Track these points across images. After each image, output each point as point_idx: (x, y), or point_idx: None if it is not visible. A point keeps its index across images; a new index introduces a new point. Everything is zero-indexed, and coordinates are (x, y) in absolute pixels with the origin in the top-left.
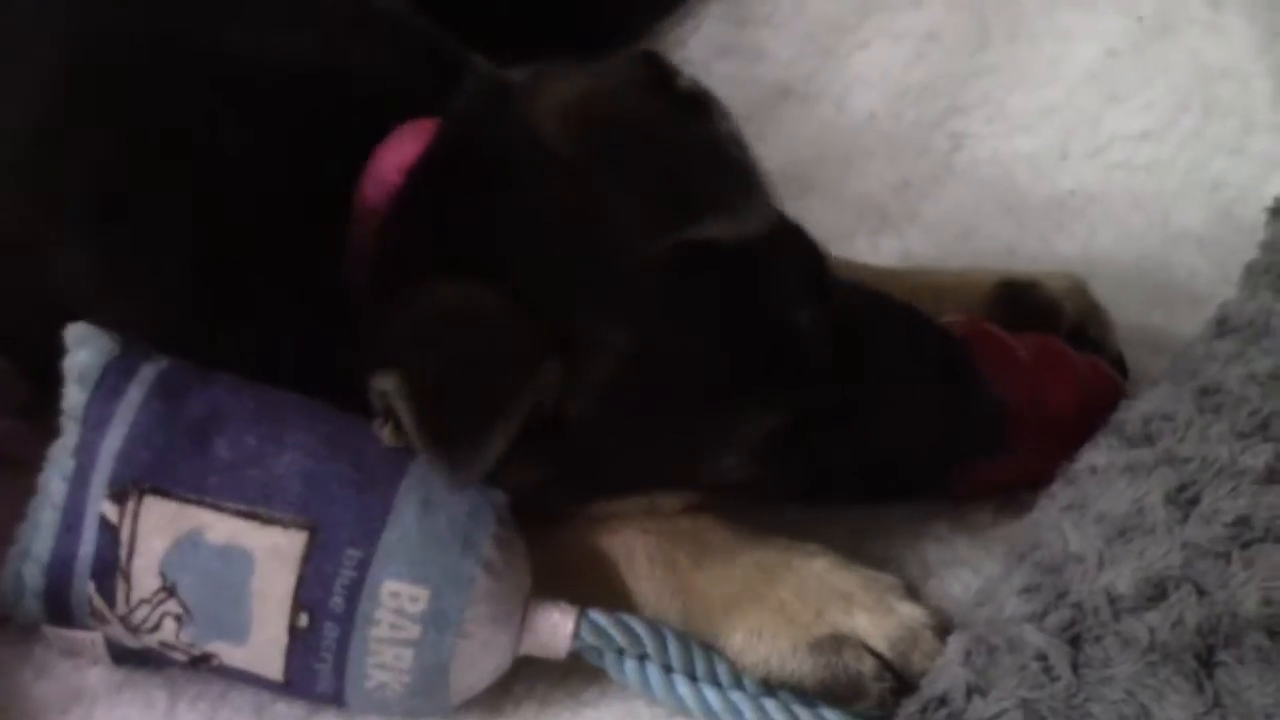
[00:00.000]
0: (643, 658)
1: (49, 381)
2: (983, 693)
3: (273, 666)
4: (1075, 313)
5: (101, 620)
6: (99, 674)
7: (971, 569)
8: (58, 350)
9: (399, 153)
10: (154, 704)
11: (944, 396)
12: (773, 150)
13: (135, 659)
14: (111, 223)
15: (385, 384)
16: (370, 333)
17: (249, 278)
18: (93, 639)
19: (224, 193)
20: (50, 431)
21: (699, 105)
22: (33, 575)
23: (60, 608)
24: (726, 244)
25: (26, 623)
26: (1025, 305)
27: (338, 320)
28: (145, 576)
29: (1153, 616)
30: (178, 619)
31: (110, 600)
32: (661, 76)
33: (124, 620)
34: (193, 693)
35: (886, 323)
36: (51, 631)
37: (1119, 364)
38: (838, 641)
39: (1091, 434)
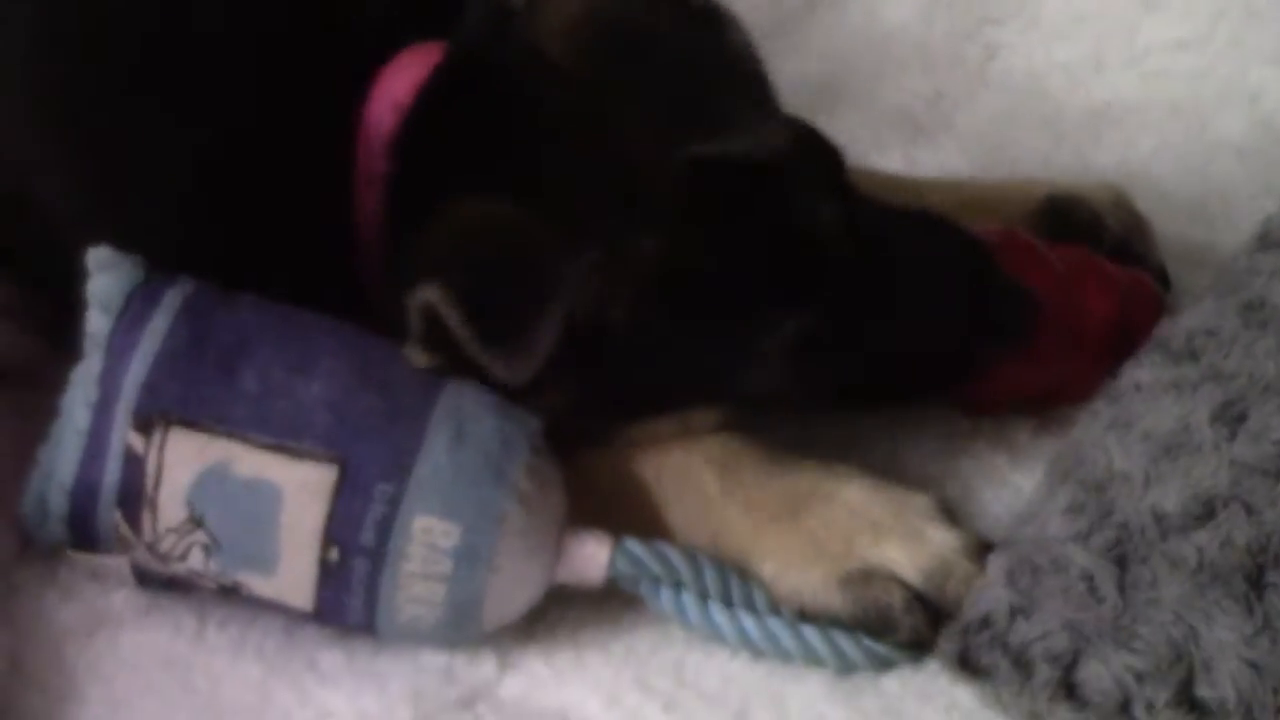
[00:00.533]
0: (678, 585)
1: (68, 301)
2: (1026, 614)
3: (302, 598)
4: (1119, 227)
5: (127, 547)
6: (125, 597)
7: (1013, 488)
8: (73, 277)
9: (406, 76)
10: (182, 628)
11: (967, 286)
12: (804, 61)
13: (162, 583)
14: (115, 131)
15: (429, 294)
16: (396, 251)
17: (255, 195)
18: (118, 563)
19: (227, 108)
20: (66, 357)
21: (710, 17)
22: (57, 499)
23: (85, 533)
24: (741, 158)
25: (51, 545)
26: (1069, 220)
27: (346, 241)
28: (172, 507)
29: (1200, 536)
30: (205, 549)
31: (136, 528)
32: None
33: (151, 548)
34: (221, 615)
35: (906, 224)
36: (77, 555)
37: (1162, 277)
38: (867, 575)
39: (1133, 350)
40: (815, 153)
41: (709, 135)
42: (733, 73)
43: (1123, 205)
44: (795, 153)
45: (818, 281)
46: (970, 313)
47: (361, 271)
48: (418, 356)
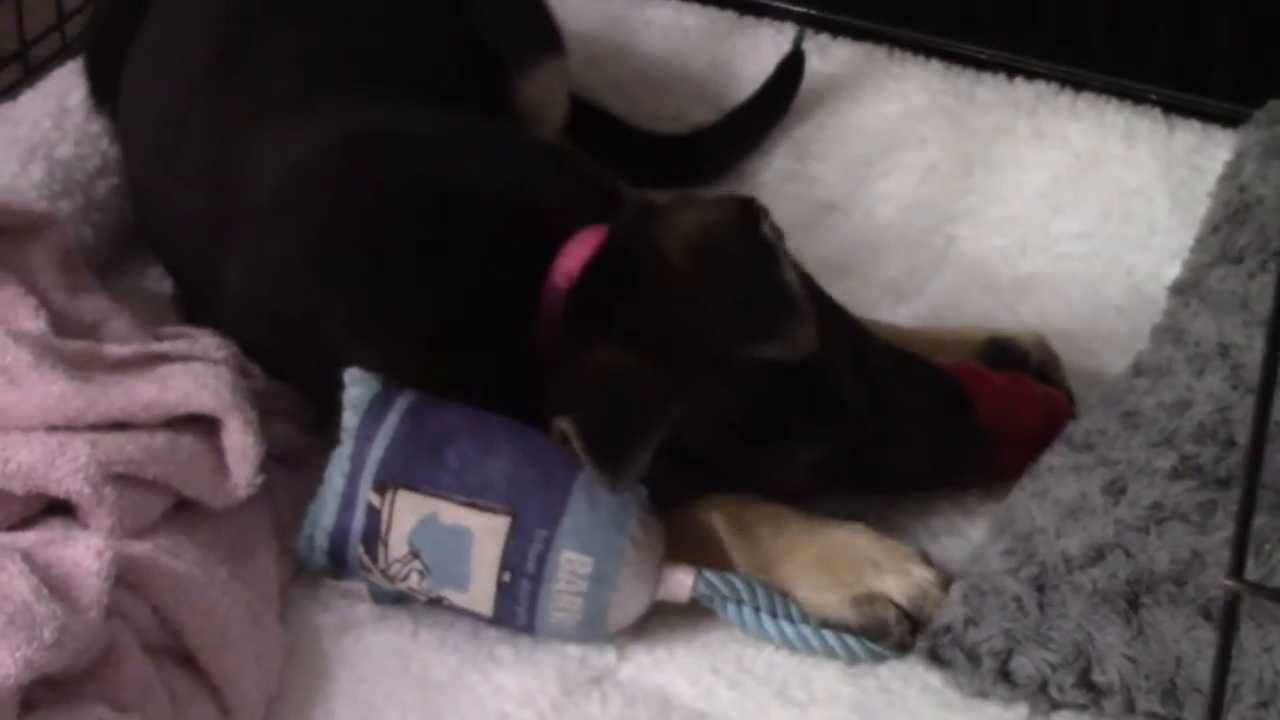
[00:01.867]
0: (740, 602)
1: (326, 408)
2: (975, 624)
3: (485, 607)
4: (1039, 359)
5: (367, 571)
6: (365, 608)
7: (965, 537)
8: (333, 387)
9: (576, 253)
10: (402, 630)
11: (946, 428)
12: (823, 246)
13: (389, 598)
14: (375, 295)
15: (563, 424)
16: (554, 380)
17: (471, 339)
18: (359, 586)
19: (454, 282)
20: (326, 442)
21: (773, 251)
22: (320, 539)
23: (339, 561)
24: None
25: (315, 572)
26: (1004, 354)
27: (530, 370)
28: (398, 544)
29: (1095, 571)
30: (420, 573)
31: (374, 558)
32: (753, 220)
33: (384, 572)
34: (429, 621)
35: (906, 373)
36: (332, 582)
37: (1069, 396)
38: (871, 597)
39: (1049, 444)
40: (842, 329)
41: (760, 343)
42: (784, 298)
43: (1041, 345)
44: (825, 340)
45: (839, 424)
46: (947, 454)
47: (539, 386)
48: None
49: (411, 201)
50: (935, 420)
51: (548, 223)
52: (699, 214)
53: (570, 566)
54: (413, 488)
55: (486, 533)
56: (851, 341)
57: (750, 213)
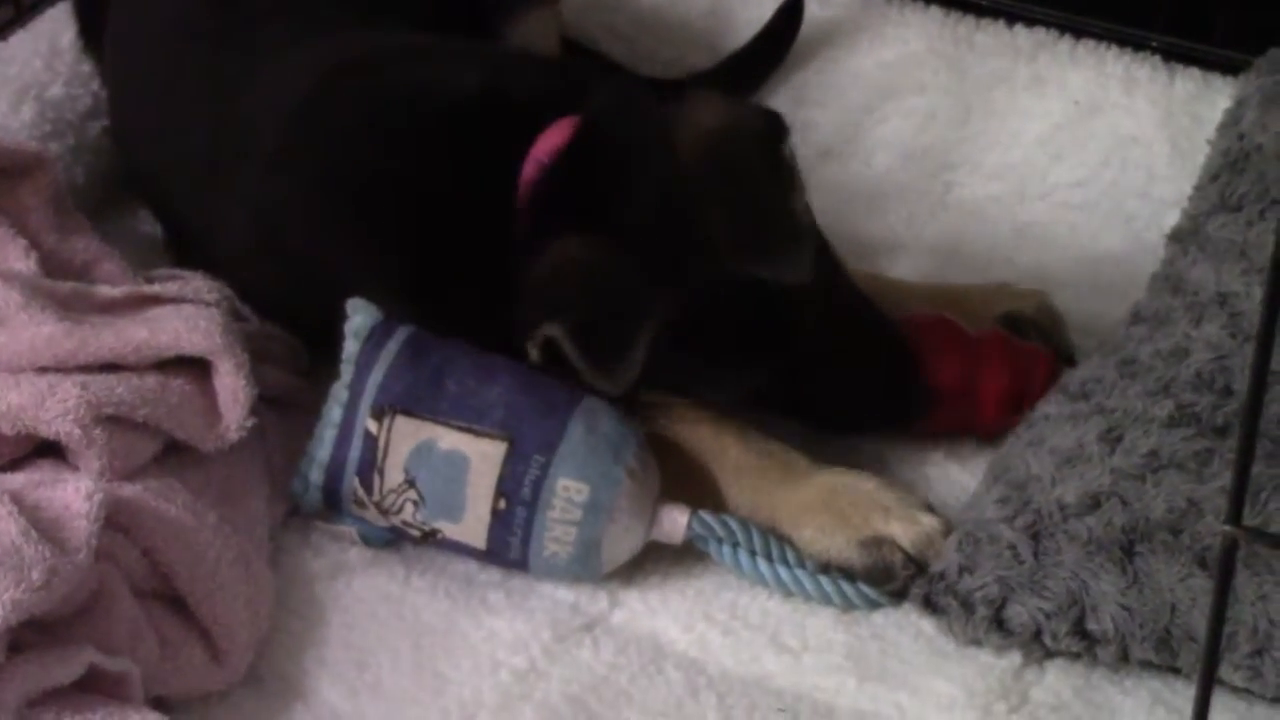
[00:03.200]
0: (735, 544)
1: (322, 350)
2: (970, 571)
3: (479, 539)
4: (1044, 325)
5: (361, 506)
6: (356, 553)
7: (961, 486)
8: (334, 324)
9: (549, 141)
10: (394, 575)
11: (884, 380)
12: (821, 194)
13: (381, 540)
14: (364, 222)
15: (552, 330)
16: (525, 277)
17: (464, 256)
18: (350, 530)
19: (440, 200)
20: (319, 386)
21: (790, 172)
22: (315, 474)
23: (333, 497)
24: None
25: (309, 513)
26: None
27: (510, 272)
28: (394, 472)
29: (1090, 520)
30: (415, 503)
31: (369, 490)
32: (777, 135)
33: (378, 505)
34: (422, 565)
35: (858, 320)
36: (323, 526)
37: (1069, 353)
38: (878, 541)
39: (1032, 398)
40: (822, 271)
41: (756, 263)
42: (789, 224)
43: (1043, 308)
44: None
45: (790, 344)
46: (884, 397)
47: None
48: (533, 355)
49: (396, 127)
50: (872, 371)
51: (521, 118)
52: (720, 114)
53: (566, 494)
54: (410, 413)
55: (483, 459)
56: (825, 277)
57: (775, 126)
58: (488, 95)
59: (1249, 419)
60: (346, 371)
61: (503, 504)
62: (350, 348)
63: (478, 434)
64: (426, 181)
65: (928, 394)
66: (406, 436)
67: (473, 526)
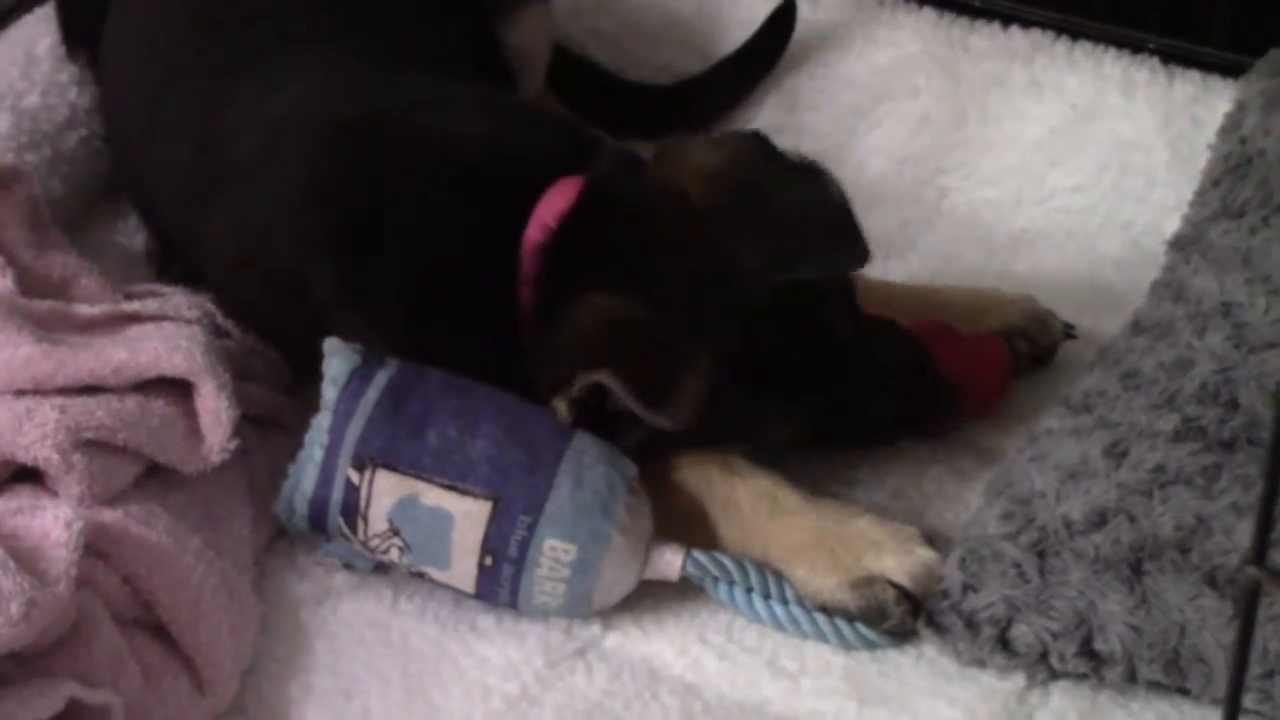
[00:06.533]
0: (731, 583)
1: (306, 367)
2: (975, 590)
3: (467, 585)
4: (1034, 329)
5: (347, 540)
6: (342, 577)
7: (962, 502)
8: (316, 345)
9: (552, 204)
10: (382, 599)
11: (915, 383)
12: None
13: (367, 568)
14: (355, 258)
15: (599, 377)
16: (543, 334)
17: (450, 295)
18: (337, 552)
19: (431, 235)
20: (303, 403)
21: (809, 172)
22: (300, 503)
23: (319, 527)
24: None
25: (295, 534)
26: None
27: (509, 326)
28: (377, 521)
29: (1097, 537)
30: (400, 549)
31: (353, 530)
32: (770, 146)
33: (363, 544)
34: (410, 590)
35: (879, 330)
36: (308, 550)
37: (1049, 351)
38: (870, 580)
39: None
40: (842, 281)
41: (791, 269)
42: (820, 216)
43: (1029, 313)
44: (831, 284)
45: (835, 376)
46: (917, 402)
47: (523, 346)
48: (562, 412)
49: (389, 162)
50: (905, 376)
51: (524, 176)
52: (712, 151)
53: (554, 554)
54: (392, 468)
55: (467, 518)
56: (847, 293)
57: (765, 141)
58: (493, 148)
59: (1273, 460)
60: (325, 415)
61: (489, 560)
62: (328, 394)
63: (461, 492)
64: (426, 224)
65: (951, 394)
66: (389, 490)
67: (460, 576)
